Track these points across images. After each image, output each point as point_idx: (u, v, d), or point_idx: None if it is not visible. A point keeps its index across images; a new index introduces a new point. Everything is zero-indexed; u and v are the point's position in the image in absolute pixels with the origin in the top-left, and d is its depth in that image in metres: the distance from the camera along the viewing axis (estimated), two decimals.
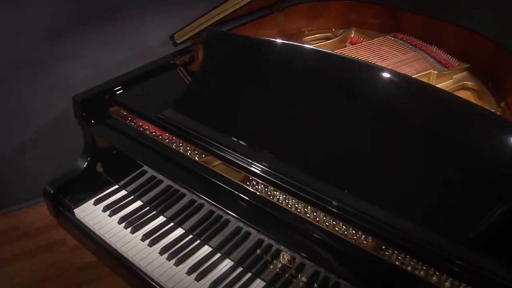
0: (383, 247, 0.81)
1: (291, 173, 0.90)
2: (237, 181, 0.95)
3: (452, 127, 0.87)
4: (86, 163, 1.23)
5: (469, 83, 1.41)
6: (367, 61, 1.34)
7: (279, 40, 1.07)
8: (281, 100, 1.01)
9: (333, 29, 1.74)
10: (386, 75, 0.97)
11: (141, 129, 1.17)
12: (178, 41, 1.35)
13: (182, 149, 1.07)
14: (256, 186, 0.95)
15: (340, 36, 1.64)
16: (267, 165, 0.94)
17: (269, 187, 0.94)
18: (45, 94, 1.93)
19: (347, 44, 1.65)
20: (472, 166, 0.83)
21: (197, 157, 1.04)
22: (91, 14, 1.88)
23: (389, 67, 1.40)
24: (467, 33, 1.49)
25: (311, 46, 1.10)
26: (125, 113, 1.20)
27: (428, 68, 1.41)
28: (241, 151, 0.98)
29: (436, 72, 1.38)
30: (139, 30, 1.99)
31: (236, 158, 0.97)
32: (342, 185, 0.87)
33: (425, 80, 1.36)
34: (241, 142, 1.00)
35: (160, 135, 1.12)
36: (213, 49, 1.12)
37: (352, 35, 1.69)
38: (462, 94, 1.39)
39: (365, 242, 0.82)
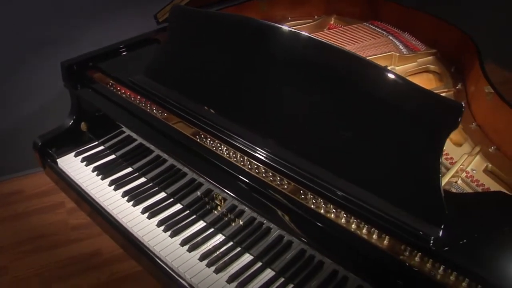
0: (301, 191, 0.92)
1: (226, 125, 1.04)
2: (188, 135, 1.09)
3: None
4: (71, 122, 1.39)
5: (432, 66, 1.48)
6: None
7: (238, 15, 1.19)
8: (227, 65, 1.12)
9: (316, 17, 1.84)
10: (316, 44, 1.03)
11: (119, 93, 1.31)
12: (160, 20, 1.49)
13: (149, 109, 1.21)
14: (204, 139, 1.08)
15: (318, 21, 1.74)
16: (211, 119, 1.08)
17: (216, 141, 1.06)
18: (52, 71, 2.11)
19: (325, 29, 1.75)
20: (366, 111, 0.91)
21: (160, 115, 1.18)
22: None
23: (356, 49, 1.51)
24: (436, 22, 1.56)
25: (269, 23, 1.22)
26: (106, 78, 1.36)
27: (393, 51, 1.50)
28: (191, 107, 1.12)
29: (398, 54, 1.46)
30: (140, 13, 2.14)
31: (189, 115, 1.11)
32: (271, 135, 0.99)
33: (387, 61, 1.46)
34: (193, 101, 1.14)
35: (133, 97, 1.27)
36: (177, 23, 1.25)
37: (332, 22, 1.79)
38: (423, 75, 1.47)
39: (286, 186, 0.93)
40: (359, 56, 0.97)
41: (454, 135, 1.17)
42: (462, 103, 0.78)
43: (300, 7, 1.87)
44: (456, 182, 0.99)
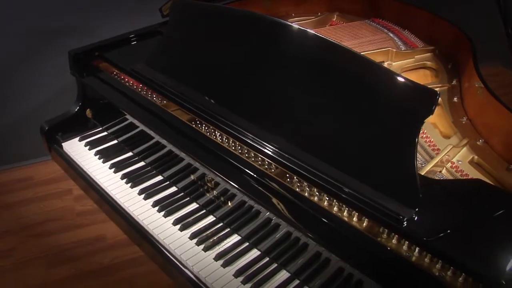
0: (288, 175, 0.96)
1: (220, 111, 1.09)
2: (185, 120, 1.14)
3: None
4: (77, 108, 1.45)
5: (429, 62, 1.51)
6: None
7: (236, 8, 1.23)
8: (224, 57, 1.17)
9: (319, 13, 1.88)
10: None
11: (123, 81, 1.37)
12: (164, 13, 1.55)
13: (150, 96, 1.26)
14: (199, 125, 1.12)
15: (320, 18, 1.78)
16: (206, 106, 1.13)
17: (210, 127, 1.11)
18: (60, 62, 2.19)
19: (327, 26, 1.79)
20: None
21: (159, 102, 1.23)
22: None
23: (355, 45, 1.54)
24: (435, 19, 1.59)
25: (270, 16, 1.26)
26: (111, 67, 1.42)
27: (391, 47, 1.52)
28: (189, 95, 1.17)
29: (395, 50, 1.49)
30: (146, 8, 2.20)
31: (185, 101, 1.17)
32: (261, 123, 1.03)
33: (384, 56, 1.49)
34: (190, 89, 1.18)
35: (136, 85, 1.33)
36: (179, 15, 1.30)
37: (334, 19, 1.82)
38: (420, 71, 1.49)
39: (272, 170, 0.98)
40: (341, 46, 0.99)
41: (444, 128, 1.20)
42: (438, 91, 0.81)
43: (303, 4, 1.91)
44: (440, 171, 1.02)
